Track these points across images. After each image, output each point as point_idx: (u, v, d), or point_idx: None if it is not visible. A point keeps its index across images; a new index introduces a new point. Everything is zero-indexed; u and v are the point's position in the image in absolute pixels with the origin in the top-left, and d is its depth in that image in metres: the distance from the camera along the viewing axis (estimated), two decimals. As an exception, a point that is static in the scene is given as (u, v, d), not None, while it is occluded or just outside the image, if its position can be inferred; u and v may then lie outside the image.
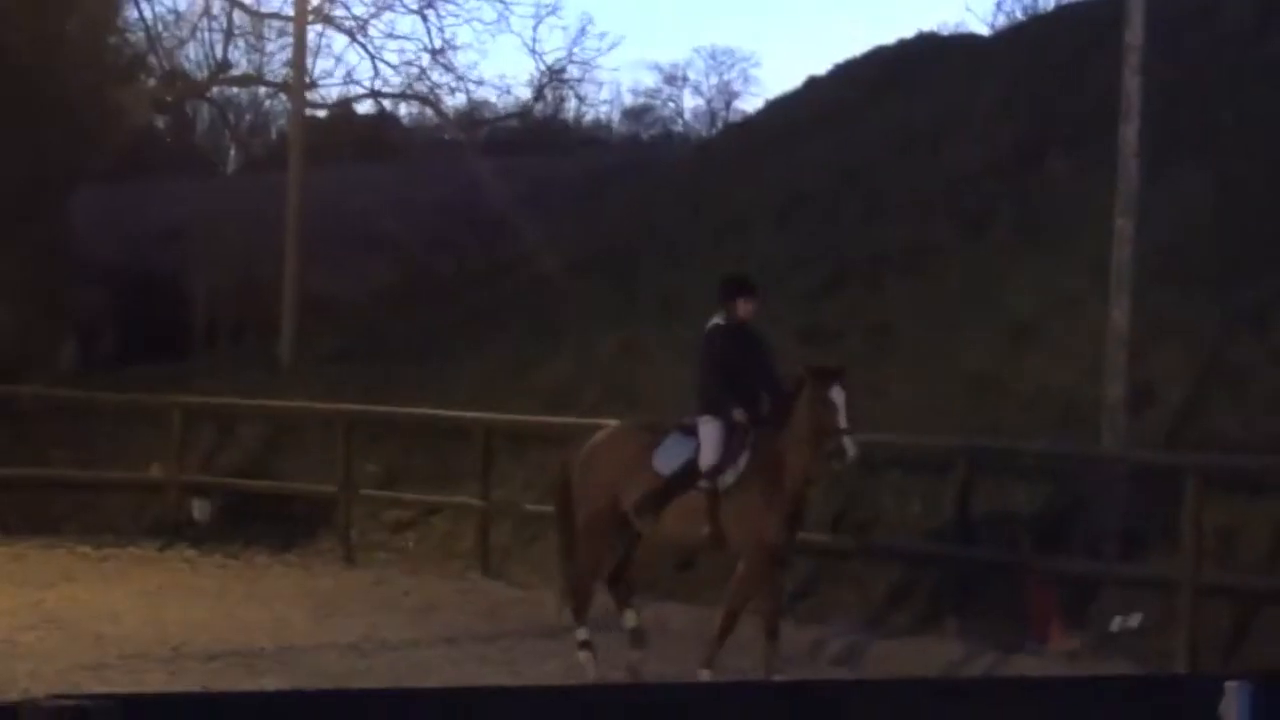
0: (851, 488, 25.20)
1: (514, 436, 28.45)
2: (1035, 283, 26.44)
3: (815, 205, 31.65)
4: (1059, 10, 38.47)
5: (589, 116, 53.56)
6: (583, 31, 51.27)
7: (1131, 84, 24.01)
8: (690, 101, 55.20)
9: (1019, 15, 41.00)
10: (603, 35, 74.53)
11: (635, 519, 20.41)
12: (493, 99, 48.58)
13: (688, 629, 21.69)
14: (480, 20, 48.15)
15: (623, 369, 29.59)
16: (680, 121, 52.71)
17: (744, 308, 20.19)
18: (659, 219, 34.66)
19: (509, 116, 49.16)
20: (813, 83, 37.96)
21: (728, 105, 52.14)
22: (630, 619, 20.61)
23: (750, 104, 47.81)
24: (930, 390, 25.50)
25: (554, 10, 56.97)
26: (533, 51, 60.17)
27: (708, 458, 19.76)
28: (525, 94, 50.06)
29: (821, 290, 29.07)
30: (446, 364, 31.97)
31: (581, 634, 20.45)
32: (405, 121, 46.74)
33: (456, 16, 44.03)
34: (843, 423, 19.13)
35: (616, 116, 53.84)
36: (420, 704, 6.31)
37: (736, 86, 54.45)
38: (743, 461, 19.69)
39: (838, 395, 19.18)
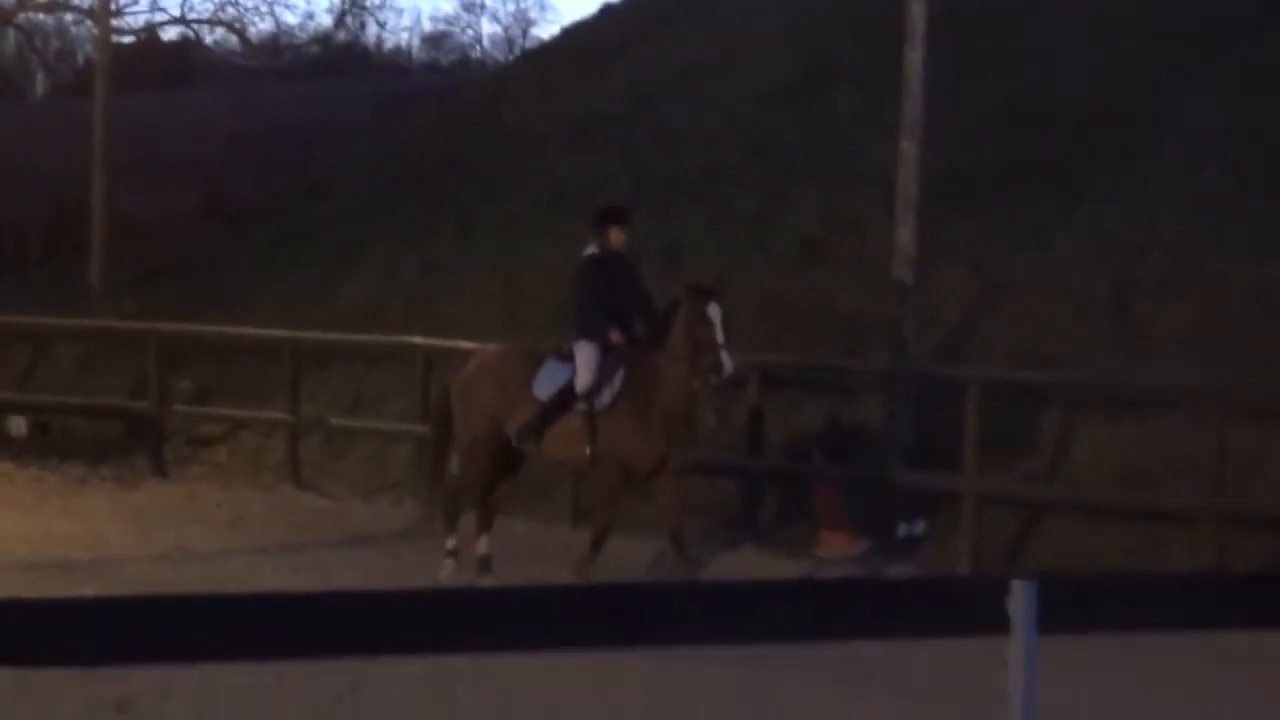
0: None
1: (320, 354, 28.36)
2: (822, 205, 26.53)
3: (610, 131, 31.63)
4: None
5: (389, 43, 53.20)
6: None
7: (916, 9, 24.10)
8: (488, 28, 54.94)
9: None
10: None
11: (518, 444, 20.52)
12: (295, 26, 48.51)
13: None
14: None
15: (424, 288, 29.52)
16: (479, 48, 52.47)
17: (616, 236, 20.39)
18: (459, 143, 34.55)
19: (311, 43, 49.01)
20: (607, 10, 37.96)
21: (524, 33, 51.93)
22: (482, 545, 20.70)
23: (546, 31, 47.55)
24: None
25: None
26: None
27: (583, 380, 19.87)
28: (327, 20, 50.04)
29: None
30: (254, 284, 31.85)
31: (450, 543, 20.71)
32: (211, 47, 46.29)
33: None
34: (720, 338, 19.29)
35: (416, 43, 53.51)
36: (236, 608, 6.23)
37: (533, 14, 54.38)
38: (618, 381, 19.82)
39: (714, 312, 19.40)
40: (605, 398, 19.87)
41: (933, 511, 21.77)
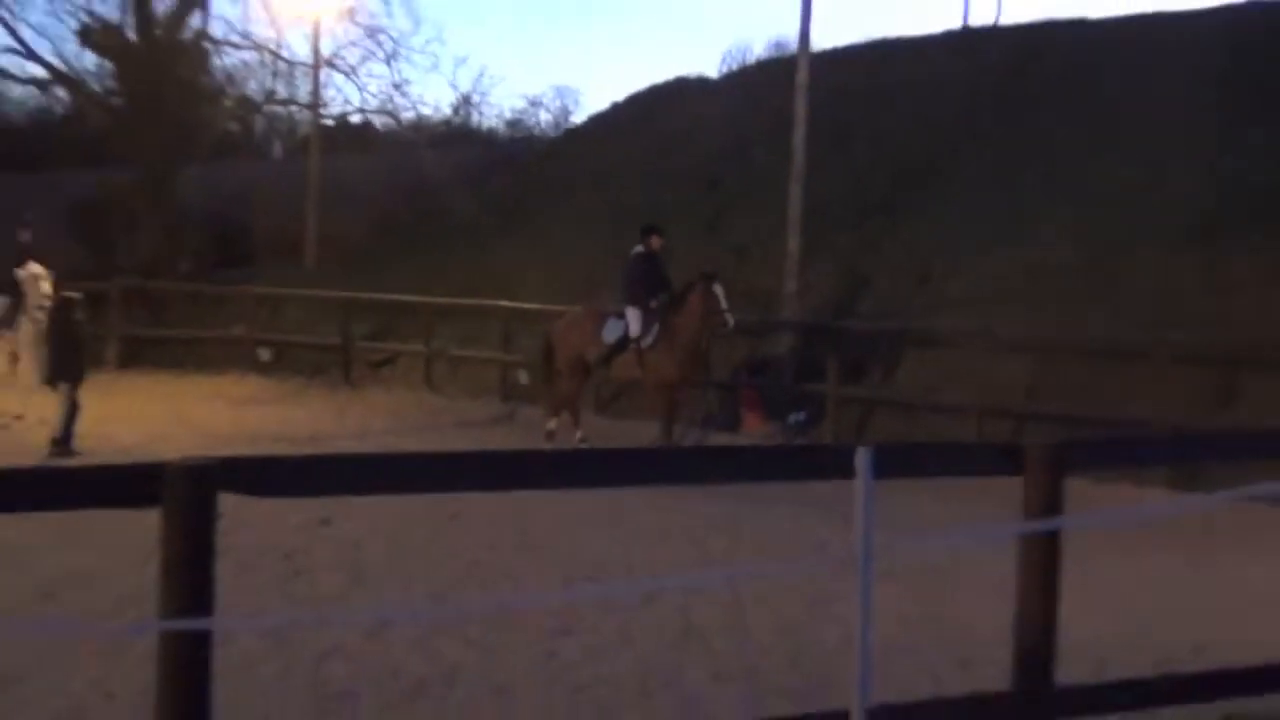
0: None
1: (443, 311, 28.15)
2: (749, 223, 26.49)
3: (619, 177, 31.54)
4: (758, 64, 38.36)
5: (487, 123, 53.14)
6: (481, 74, 51.39)
7: (800, 107, 24.05)
8: (544, 116, 54.89)
9: (734, 67, 40.69)
10: (492, 75, 73.66)
11: (595, 368, 21.13)
12: (429, 113, 48.65)
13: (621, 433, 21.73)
14: (420, 66, 48.33)
15: (505, 269, 29.40)
16: (539, 127, 52.34)
17: (655, 241, 20.84)
18: (525, 185, 34.56)
19: (441, 123, 48.96)
20: (615, 105, 37.78)
21: (567, 117, 51.77)
22: (578, 434, 20.88)
23: (580, 117, 47.52)
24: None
25: (464, 61, 56.80)
26: (452, 85, 59.92)
27: (634, 329, 20.47)
28: (448, 110, 50.02)
29: (616, 228, 29.00)
30: (403, 268, 31.73)
31: (551, 424, 21.12)
32: (379, 127, 46.16)
33: (409, 63, 44.19)
34: (724, 305, 19.89)
35: (501, 124, 53.47)
36: (392, 463, 6.24)
37: (571, 108, 54.24)
38: (654, 331, 20.33)
39: (719, 289, 19.98)
40: (648, 340, 20.35)
41: (811, 407, 21.74)
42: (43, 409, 20.36)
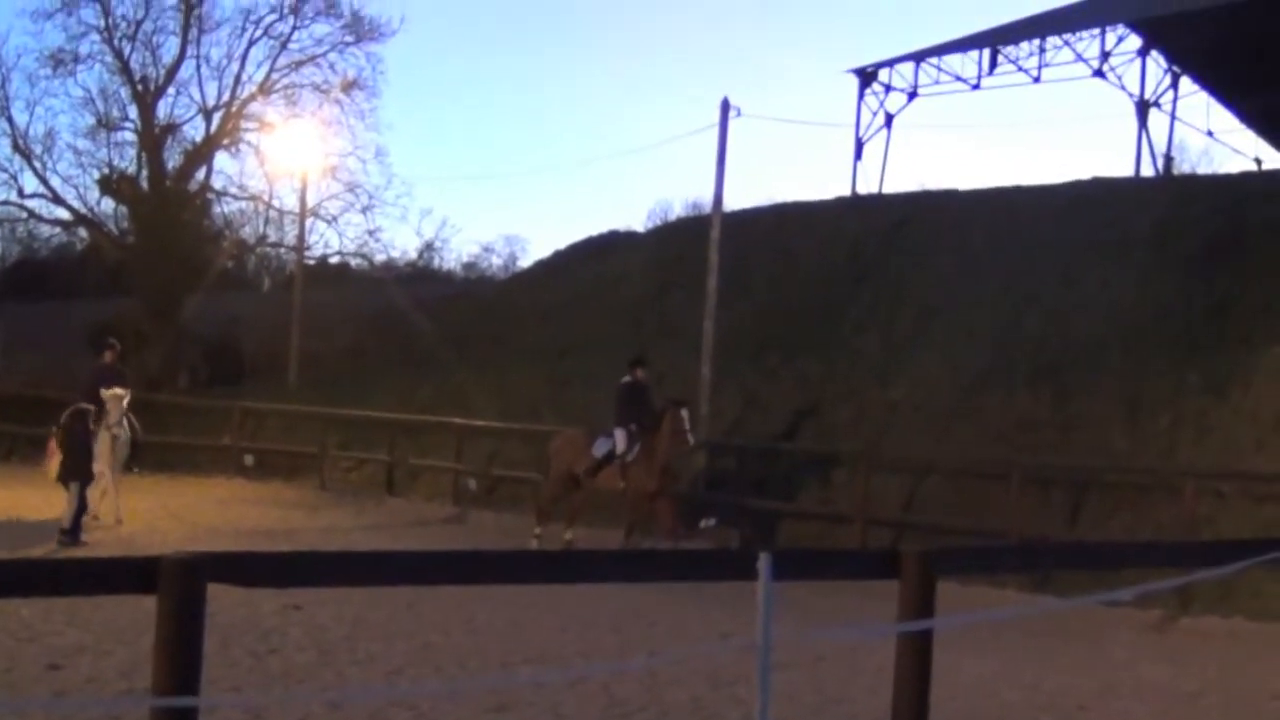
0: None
1: (405, 427, 28.04)
2: (669, 357, 26.52)
3: (560, 314, 31.60)
4: (678, 220, 38.70)
5: (446, 265, 53.38)
6: (443, 223, 51.69)
7: (713, 257, 24.22)
8: (496, 260, 55.21)
9: (657, 222, 41.13)
10: (452, 225, 74.23)
11: (584, 479, 20.85)
12: (398, 255, 48.86)
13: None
14: (390, 215, 48.62)
15: (459, 392, 29.32)
16: (491, 269, 52.65)
17: (639, 372, 20.85)
18: (481, 317, 34.51)
19: (407, 264, 49.12)
20: (556, 253, 37.92)
21: (515, 261, 52.13)
22: (567, 534, 20.73)
23: (526, 262, 47.90)
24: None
25: (428, 212, 57.17)
26: (418, 232, 60.36)
27: (620, 447, 20.35)
28: (414, 253, 50.24)
29: (558, 355, 29.02)
30: (373, 388, 31.60)
31: (537, 530, 20.80)
32: (354, 266, 46.24)
33: (382, 214, 44.40)
34: (687, 427, 19.94)
35: (459, 266, 53.74)
36: (357, 560, 6.18)
37: (519, 253, 54.67)
38: (635, 449, 20.23)
39: (685, 413, 20.01)
40: (630, 455, 20.24)
41: (719, 514, 21.67)
42: (132, 512, 20.76)
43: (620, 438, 20.32)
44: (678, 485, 21.41)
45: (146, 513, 22.06)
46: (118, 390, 20.59)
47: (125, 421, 20.81)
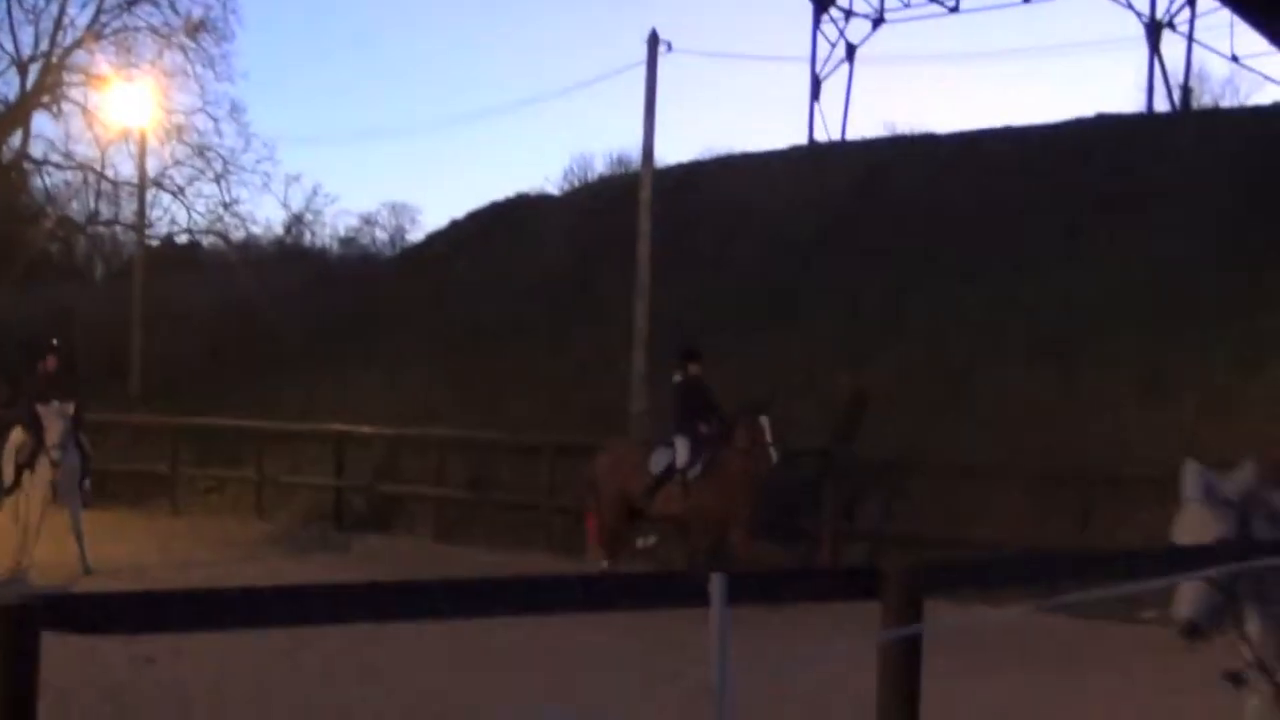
0: (482, 463, 25.27)
1: (274, 436, 28.00)
2: (593, 342, 26.58)
3: (456, 295, 31.56)
4: (601, 179, 38.79)
5: (321, 241, 53.24)
6: (314, 192, 51.52)
7: (645, 223, 24.29)
8: (380, 234, 55.12)
9: (576, 182, 41.18)
10: (326, 193, 74.21)
11: (643, 505, 19.74)
12: (261, 232, 48.69)
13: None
14: (250, 184, 48.62)
15: (338, 393, 29.28)
16: (374, 245, 52.58)
17: (692, 367, 19.81)
18: (363, 303, 34.40)
19: (272, 243, 48.98)
20: (454, 223, 37.84)
21: (403, 235, 52.09)
22: (640, 542, 20.30)
23: (417, 235, 47.87)
24: (537, 407, 25.61)
25: (296, 179, 57.01)
26: (284, 203, 60.42)
27: (682, 460, 19.25)
28: (280, 229, 50.05)
29: (458, 348, 28.99)
30: (232, 393, 31.52)
31: (604, 565, 19.74)
32: (206, 247, 46.04)
33: (240, 182, 44.15)
34: (769, 439, 18.78)
35: (335, 243, 53.59)
36: (214, 597, 6.16)
37: (408, 225, 54.54)
38: (701, 462, 19.17)
39: (764, 422, 18.85)
40: (695, 471, 19.22)
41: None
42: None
43: (683, 447, 19.43)
44: (756, 512, 20.00)
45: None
46: (59, 405, 20.29)
47: (72, 442, 20.58)
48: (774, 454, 18.84)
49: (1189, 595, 7.19)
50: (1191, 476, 7.41)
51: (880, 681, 6.55)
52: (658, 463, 19.53)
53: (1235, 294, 21.01)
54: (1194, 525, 7.32)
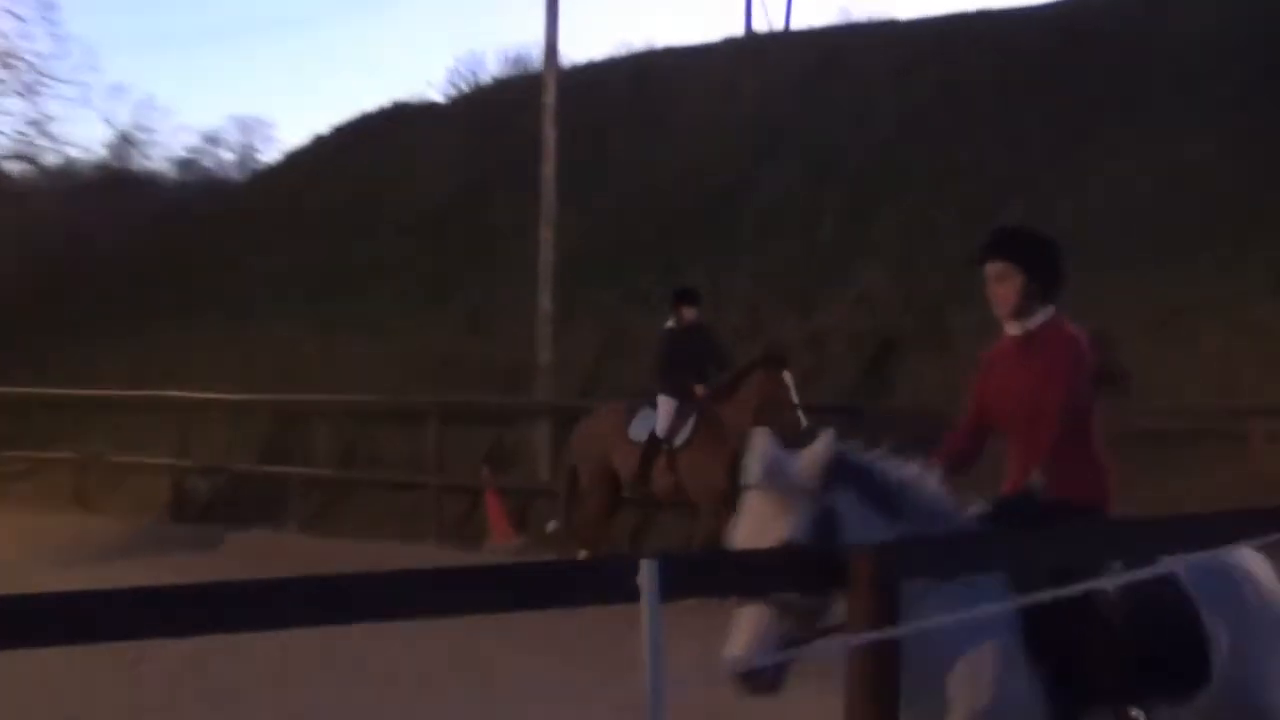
0: (354, 434, 25.15)
1: (100, 405, 27.82)
2: (486, 282, 26.46)
3: (319, 227, 31.42)
4: (495, 83, 38.63)
5: (154, 165, 52.86)
6: (145, 105, 51.31)
7: (549, 134, 24.14)
8: (226, 155, 54.81)
9: (465, 87, 40.90)
10: (160, 107, 73.74)
11: (634, 484, 19.18)
12: (80, 155, 48.22)
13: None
14: (66, 98, 48.27)
15: (178, 354, 29.10)
16: (219, 169, 52.22)
17: (686, 312, 19.14)
18: (208, 240, 34.21)
19: (97, 167, 48.54)
20: (318, 139, 37.71)
21: (254, 156, 51.84)
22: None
23: (272, 155, 47.56)
24: (409, 365, 25.50)
25: (123, 90, 56.74)
26: (108, 120, 60.15)
27: (662, 426, 18.63)
28: (104, 152, 49.63)
29: (323, 292, 28.86)
30: (47, 356, 31.26)
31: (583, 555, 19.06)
32: (14, 174, 45.57)
33: (53, 95, 43.76)
34: (794, 399, 17.92)
35: (171, 167, 53.21)
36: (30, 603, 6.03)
37: (259, 143, 54.25)
38: (690, 427, 18.53)
39: (788, 378, 18.02)
40: (681, 437, 18.57)
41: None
42: None
43: (664, 411, 19.15)
44: None
45: None
46: None
47: None
48: (802, 417, 17.72)
49: (746, 625, 6.70)
50: (756, 453, 6.88)
51: (850, 695, 6.46)
52: (639, 429, 19.12)
53: (1273, 203, 20.87)
54: (754, 522, 6.88)
